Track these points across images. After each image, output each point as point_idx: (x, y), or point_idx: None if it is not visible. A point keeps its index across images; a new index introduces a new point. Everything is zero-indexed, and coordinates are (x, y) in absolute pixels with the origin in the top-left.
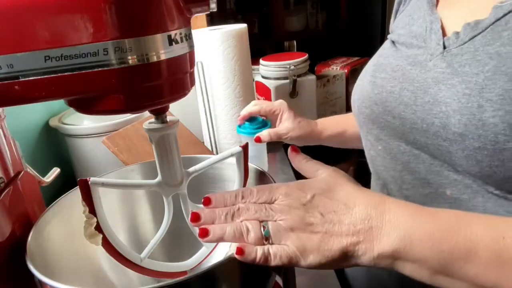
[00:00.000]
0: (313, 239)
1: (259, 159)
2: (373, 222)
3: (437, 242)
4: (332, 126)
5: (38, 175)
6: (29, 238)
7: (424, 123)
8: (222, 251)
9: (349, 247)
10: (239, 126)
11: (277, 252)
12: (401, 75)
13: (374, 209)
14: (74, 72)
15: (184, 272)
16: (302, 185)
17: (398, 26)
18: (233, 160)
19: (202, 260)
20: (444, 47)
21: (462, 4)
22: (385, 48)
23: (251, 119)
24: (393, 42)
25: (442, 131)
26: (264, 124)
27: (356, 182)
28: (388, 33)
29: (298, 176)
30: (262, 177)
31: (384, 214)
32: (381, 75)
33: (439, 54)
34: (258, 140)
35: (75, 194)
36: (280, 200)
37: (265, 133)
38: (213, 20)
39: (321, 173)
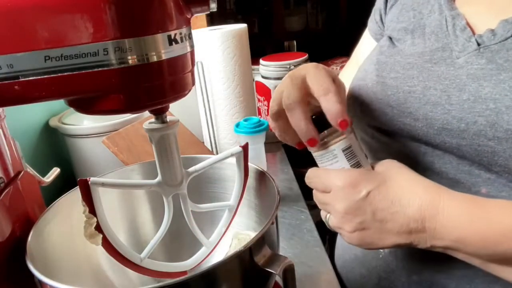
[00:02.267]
0: (364, 235)
1: (257, 160)
2: (426, 223)
3: (490, 245)
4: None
5: (38, 175)
6: (29, 238)
7: (462, 123)
8: (222, 251)
9: (401, 242)
10: (236, 125)
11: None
12: (419, 73)
13: (427, 210)
14: (74, 72)
15: (184, 272)
16: (357, 179)
17: (396, 20)
18: (233, 160)
19: (202, 260)
20: (478, 44)
21: (481, 0)
22: (384, 45)
23: (248, 119)
24: (390, 38)
25: (488, 129)
26: (261, 124)
27: (411, 171)
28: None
29: (299, 176)
30: (262, 177)
31: (438, 216)
32: (390, 75)
33: (473, 51)
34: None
35: (75, 194)
36: (333, 194)
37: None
38: (213, 20)
39: (377, 166)
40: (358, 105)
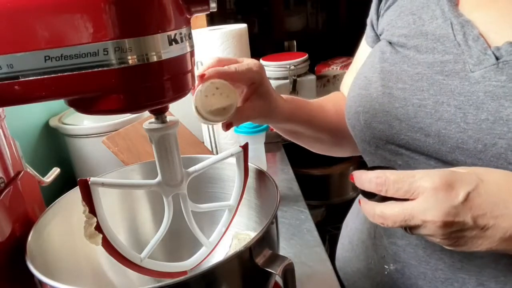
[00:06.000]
0: (459, 242)
1: (257, 160)
2: None
3: None
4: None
5: (38, 175)
6: (29, 238)
7: (479, 144)
8: (222, 251)
9: (499, 249)
10: (236, 126)
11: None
12: (429, 86)
13: None
14: (74, 72)
15: (184, 272)
16: (451, 180)
17: (395, 25)
18: (233, 160)
19: (202, 260)
20: (496, 58)
21: (490, 6)
22: (386, 51)
23: None
24: (390, 43)
25: (509, 153)
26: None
27: (498, 169)
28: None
29: (299, 176)
30: (262, 177)
31: None
32: (398, 85)
33: (491, 66)
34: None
35: (75, 194)
36: (422, 201)
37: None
38: (213, 20)
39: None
40: (361, 116)
